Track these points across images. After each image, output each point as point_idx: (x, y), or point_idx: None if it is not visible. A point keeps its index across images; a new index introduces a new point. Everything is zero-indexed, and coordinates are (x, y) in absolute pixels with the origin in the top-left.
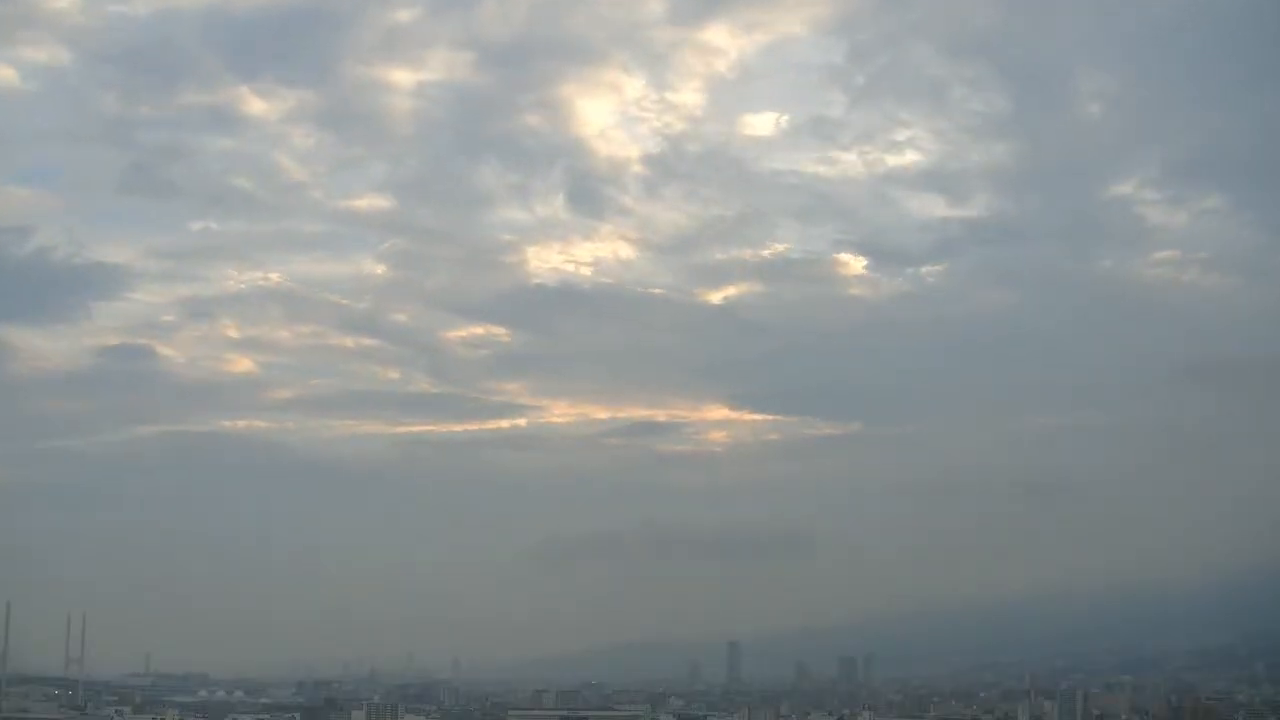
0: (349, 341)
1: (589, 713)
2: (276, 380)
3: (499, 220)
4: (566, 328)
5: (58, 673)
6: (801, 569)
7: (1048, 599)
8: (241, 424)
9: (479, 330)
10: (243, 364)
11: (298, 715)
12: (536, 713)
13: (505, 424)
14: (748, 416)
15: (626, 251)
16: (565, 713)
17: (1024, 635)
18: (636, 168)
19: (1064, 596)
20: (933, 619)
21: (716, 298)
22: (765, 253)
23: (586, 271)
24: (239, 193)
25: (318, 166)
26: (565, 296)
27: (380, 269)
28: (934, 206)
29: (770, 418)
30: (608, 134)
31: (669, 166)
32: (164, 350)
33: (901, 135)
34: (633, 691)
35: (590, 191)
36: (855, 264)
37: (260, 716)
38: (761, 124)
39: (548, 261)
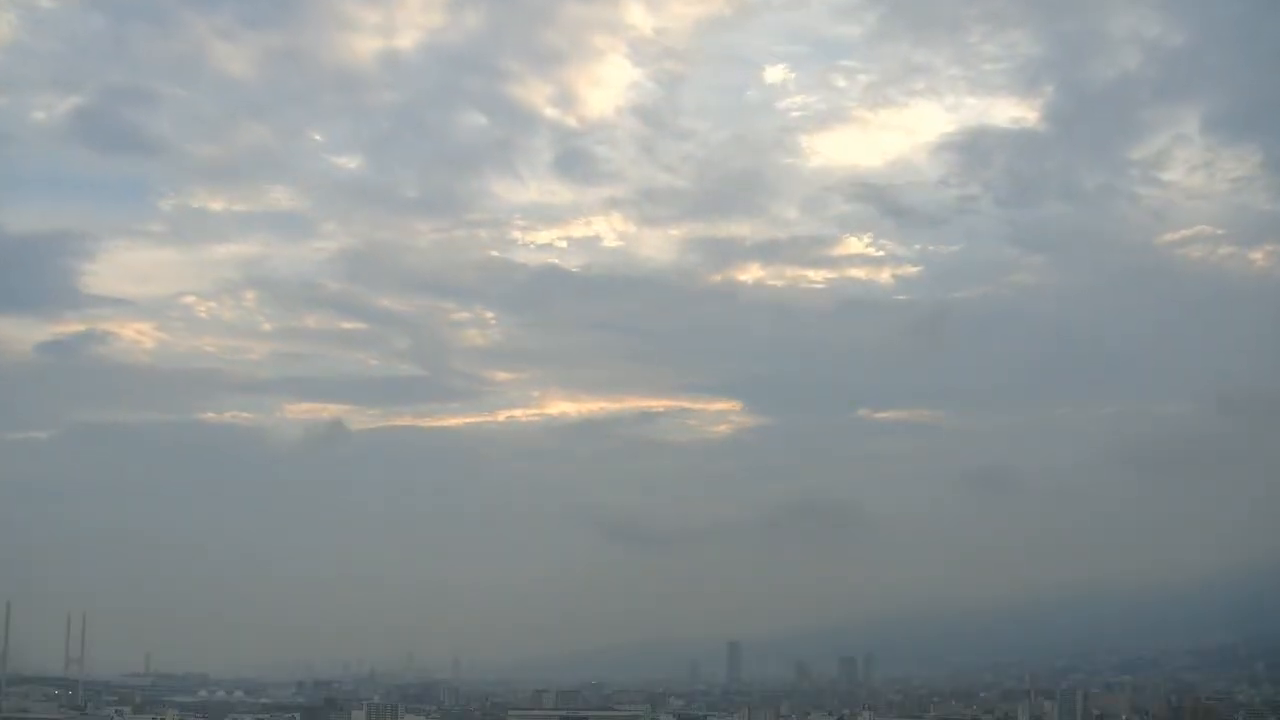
0: (326, 324)
1: (589, 713)
2: (252, 366)
3: (483, 186)
4: (557, 310)
5: (58, 673)
6: (793, 565)
7: (1048, 599)
8: (226, 415)
9: (465, 314)
10: (215, 348)
11: (298, 715)
12: (536, 713)
13: (502, 415)
14: (741, 407)
15: (620, 224)
16: (565, 713)
17: (1024, 635)
18: (631, 122)
19: (1064, 597)
20: (933, 619)
21: (717, 277)
22: (767, 224)
23: (578, 249)
24: (203, 157)
25: (285, 123)
26: (554, 277)
27: (356, 243)
28: (951, 166)
29: (764, 406)
30: (600, 82)
31: (663, 120)
32: (130, 334)
33: (919, 84)
34: (633, 691)
35: (581, 152)
36: (859, 242)
37: (260, 716)
38: (771, 74)
39: (537, 238)
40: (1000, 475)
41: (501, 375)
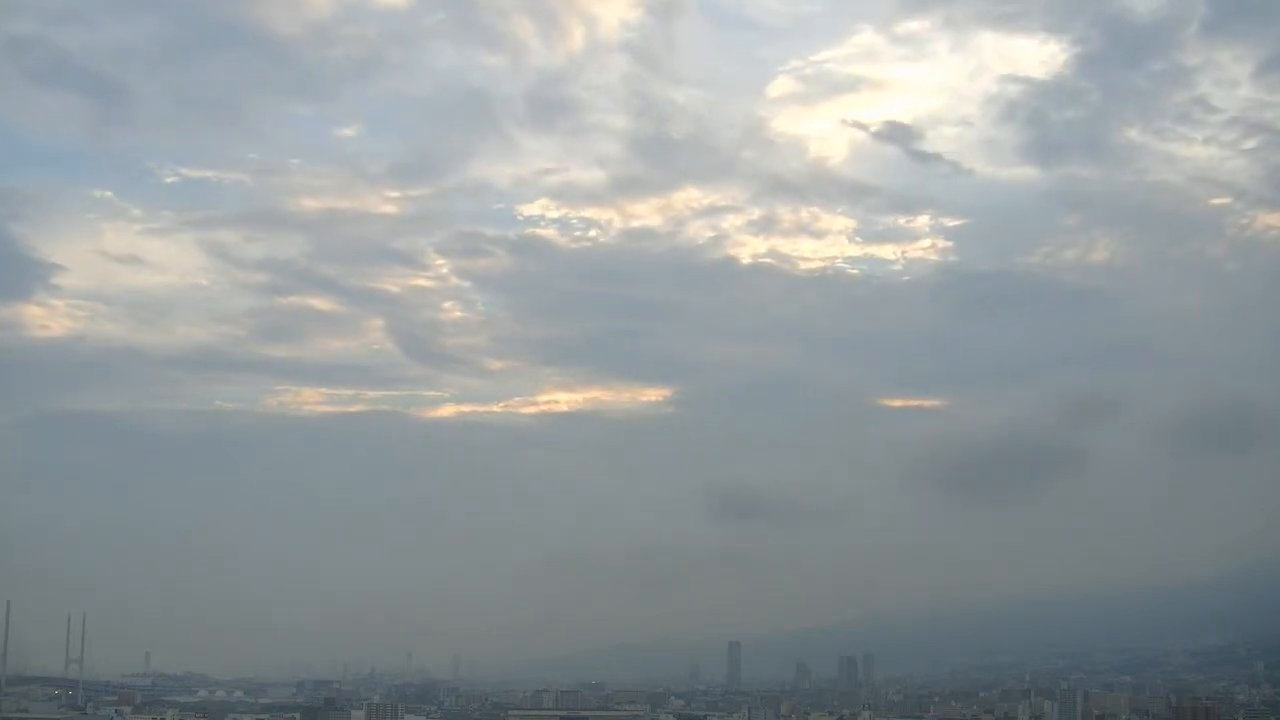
0: (300, 302)
1: (589, 713)
2: (229, 350)
3: (464, 145)
4: (544, 289)
5: (58, 673)
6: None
7: (1048, 600)
8: (213, 405)
9: (452, 299)
10: (187, 332)
11: (298, 715)
12: (536, 713)
13: (497, 405)
14: (738, 396)
15: (609, 190)
16: (565, 713)
17: (1024, 635)
18: (619, 60)
19: (1065, 597)
20: (933, 619)
21: (715, 255)
22: (769, 189)
23: (565, 222)
24: (157, 107)
25: (242, 67)
26: (539, 250)
27: (325, 212)
28: (973, 122)
29: (763, 397)
30: (584, 13)
31: (656, 59)
32: (86, 314)
33: (938, 18)
34: (633, 691)
35: (569, 100)
36: (855, 224)
37: (260, 716)
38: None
39: (523, 210)
40: (1001, 470)
41: (494, 364)
